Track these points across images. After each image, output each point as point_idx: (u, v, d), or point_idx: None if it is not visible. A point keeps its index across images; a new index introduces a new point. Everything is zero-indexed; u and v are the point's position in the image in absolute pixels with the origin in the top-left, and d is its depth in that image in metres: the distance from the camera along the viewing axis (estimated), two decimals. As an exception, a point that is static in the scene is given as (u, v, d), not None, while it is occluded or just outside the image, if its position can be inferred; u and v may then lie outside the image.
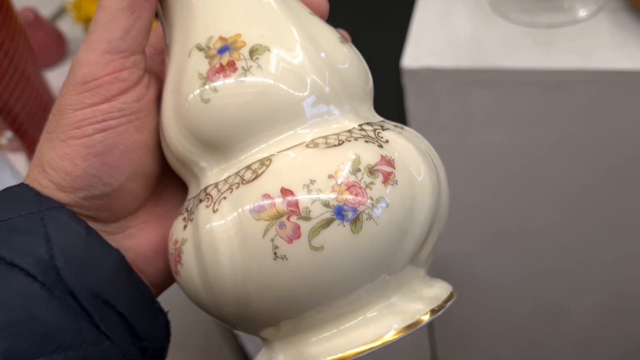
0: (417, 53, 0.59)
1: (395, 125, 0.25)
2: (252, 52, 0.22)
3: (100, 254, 0.23)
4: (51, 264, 0.21)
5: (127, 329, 0.23)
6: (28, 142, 0.66)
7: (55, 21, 0.92)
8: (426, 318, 0.22)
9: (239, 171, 0.22)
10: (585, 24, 0.59)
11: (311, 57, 0.23)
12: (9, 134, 0.61)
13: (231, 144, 0.23)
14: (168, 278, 0.27)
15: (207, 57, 0.23)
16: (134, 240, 0.25)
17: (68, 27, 0.89)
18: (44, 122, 0.64)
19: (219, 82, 0.22)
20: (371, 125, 0.24)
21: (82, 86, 0.23)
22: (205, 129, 0.23)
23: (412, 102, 0.62)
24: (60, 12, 0.93)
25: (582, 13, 0.60)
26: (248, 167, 0.22)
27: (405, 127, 0.26)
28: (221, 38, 0.23)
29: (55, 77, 0.84)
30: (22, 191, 0.23)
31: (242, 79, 0.22)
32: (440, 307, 0.23)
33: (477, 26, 0.61)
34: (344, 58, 0.24)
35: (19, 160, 0.70)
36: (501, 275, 0.82)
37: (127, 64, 0.23)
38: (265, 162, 0.22)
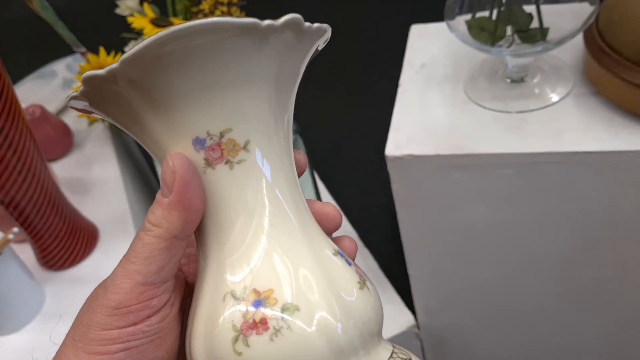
0: (399, 141, 0.64)
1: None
2: (284, 310, 0.24)
3: None
4: None
5: None
6: (34, 234, 0.69)
7: (61, 115, 0.97)
8: None
9: None
10: (554, 108, 0.64)
11: (334, 313, 0.25)
12: (15, 229, 0.64)
13: None
14: None
15: (241, 308, 0.25)
16: None
17: (73, 120, 0.94)
18: (49, 214, 0.67)
19: (252, 338, 0.24)
20: None
21: (113, 310, 0.25)
22: None
23: (397, 185, 0.66)
24: (66, 107, 0.99)
25: (552, 98, 0.65)
26: None
27: (412, 358, 0.28)
28: (255, 291, 0.25)
29: (61, 169, 0.89)
30: None
31: (274, 338, 0.24)
32: None
33: (453, 113, 0.66)
34: (362, 304, 0.26)
35: (24, 251, 0.73)
36: (495, 346, 0.83)
37: (157, 292, 0.25)
38: None
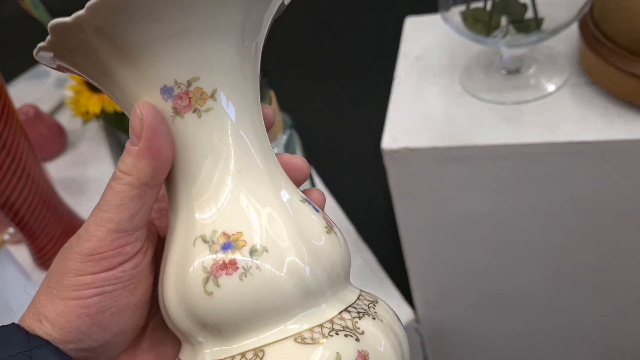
0: (395, 134, 0.63)
1: (368, 305, 0.28)
2: (252, 252, 0.25)
3: None
4: None
5: None
6: (29, 234, 0.69)
7: (54, 115, 0.97)
8: None
9: (233, 356, 0.25)
10: (550, 98, 0.64)
11: (302, 256, 0.26)
12: (10, 229, 0.63)
13: (228, 332, 0.25)
14: None
15: (211, 251, 0.25)
16: None
17: (67, 120, 0.94)
18: (45, 214, 0.67)
19: (222, 279, 0.25)
20: (349, 313, 0.26)
21: (87, 257, 0.25)
22: (205, 317, 0.25)
23: (394, 178, 0.65)
24: (60, 106, 0.98)
25: (548, 89, 0.64)
26: (243, 355, 0.25)
27: (378, 305, 0.28)
28: (224, 234, 0.25)
29: (56, 168, 0.88)
30: (12, 331, 0.26)
31: (243, 278, 0.25)
32: None
33: (449, 105, 0.65)
34: (329, 248, 0.27)
35: (21, 252, 0.73)
36: (495, 336, 0.83)
37: (130, 239, 0.26)
38: (258, 353, 0.24)
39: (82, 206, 0.78)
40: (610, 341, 0.78)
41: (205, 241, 0.25)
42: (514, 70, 0.66)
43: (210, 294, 0.25)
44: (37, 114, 0.88)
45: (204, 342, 0.26)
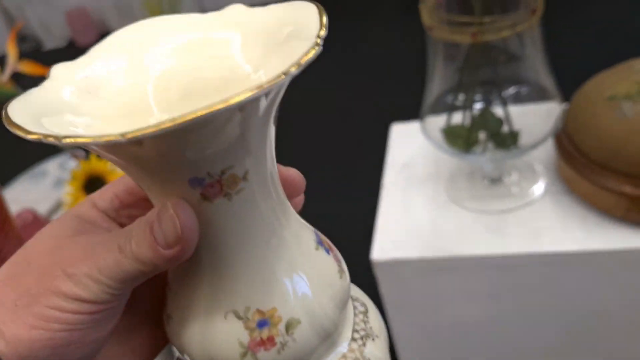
0: (384, 245, 0.66)
1: (363, 317, 0.30)
2: (288, 327, 0.26)
3: None
4: None
5: None
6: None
7: (52, 216, 0.99)
8: None
9: None
10: (531, 207, 0.66)
11: (327, 315, 0.27)
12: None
13: None
14: None
15: (246, 328, 0.26)
16: None
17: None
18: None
19: (260, 354, 0.26)
20: (355, 342, 0.29)
21: (68, 299, 0.25)
22: None
23: (385, 288, 0.67)
24: (57, 207, 1.00)
25: (529, 197, 0.67)
26: None
27: (368, 309, 0.31)
28: (259, 311, 0.26)
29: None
30: None
31: (281, 352, 0.26)
32: None
33: (435, 215, 0.68)
34: (344, 290, 0.28)
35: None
36: None
37: (116, 297, 0.25)
38: None
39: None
40: None
41: (239, 317, 0.26)
42: (496, 179, 0.70)
43: None
44: (35, 218, 0.90)
45: None
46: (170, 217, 0.24)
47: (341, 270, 0.29)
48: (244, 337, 0.26)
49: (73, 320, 0.25)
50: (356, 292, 0.32)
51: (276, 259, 0.26)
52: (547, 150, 0.71)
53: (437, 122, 0.66)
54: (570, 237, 0.62)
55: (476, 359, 0.72)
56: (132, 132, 0.20)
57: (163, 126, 0.20)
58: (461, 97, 0.64)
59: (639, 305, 0.63)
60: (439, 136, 0.66)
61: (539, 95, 0.65)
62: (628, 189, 0.58)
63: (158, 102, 0.27)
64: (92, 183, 0.88)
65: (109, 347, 0.28)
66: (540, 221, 0.64)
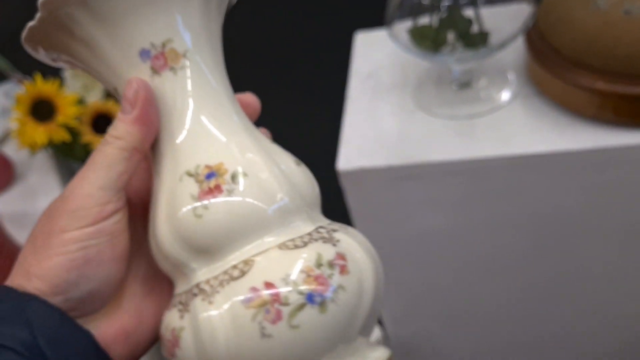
0: (350, 154, 0.63)
1: (341, 226, 0.31)
2: (234, 177, 0.29)
3: (72, 335, 0.28)
4: (35, 343, 0.27)
5: None
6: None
7: (1, 146, 0.93)
8: None
9: (226, 270, 0.28)
10: (501, 111, 0.64)
11: (277, 178, 0.29)
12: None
13: (219, 249, 0.28)
14: (136, 357, 0.32)
15: (197, 181, 0.29)
16: (104, 321, 0.30)
17: (14, 151, 0.90)
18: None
19: (209, 201, 0.28)
20: (324, 228, 0.30)
21: (73, 212, 0.28)
22: (198, 238, 0.28)
23: (352, 199, 0.65)
24: (5, 137, 0.95)
25: (499, 101, 0.65)
26: (234, 267, 0.27)
27: (349, 228, 0.31)
28: (207, 166, 0.29)
29: (4, 204, 0.85)
30: (3, 290, 0.28)
31: (228, 198, 0.28)
32: None
33: (402, 122, 0.65)
34: (300, 175, 0.31)
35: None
36: (464, 349, 0.84)
37: (114, 198, 0.29)
38: (249, 262, 0.27)
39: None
40: (574, 348, 0.79)
41: (190, 175, 0.29)
42: (464, 84, 0.67)
43: (200, 216, 0.28)
44: (-18, 147, 0.85)
45: (196, 267, 0.29)
46: (131, 85, 0.29)
47: (300, 164, 0.32)
48: (195, 190, 0.29)
49: (84, 235, 0.28)
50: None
51: (221, 126, 0.30)
52: (518, 54, 0.68)
53: (403, 26, 0.63)
54: (540, 138, 0.60)
55: (444, 268, 0.71)
56: None
57: None
58: (428, -6, 0.60)
59: (609, 205, 0.62)
60: (406, 38, 0.62)
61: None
62: (600, 84, 0.56)
63: None
64: (39, 107, 0.82)
65: (136, 286, 0.32)
66: (510, 125, 0.62)
